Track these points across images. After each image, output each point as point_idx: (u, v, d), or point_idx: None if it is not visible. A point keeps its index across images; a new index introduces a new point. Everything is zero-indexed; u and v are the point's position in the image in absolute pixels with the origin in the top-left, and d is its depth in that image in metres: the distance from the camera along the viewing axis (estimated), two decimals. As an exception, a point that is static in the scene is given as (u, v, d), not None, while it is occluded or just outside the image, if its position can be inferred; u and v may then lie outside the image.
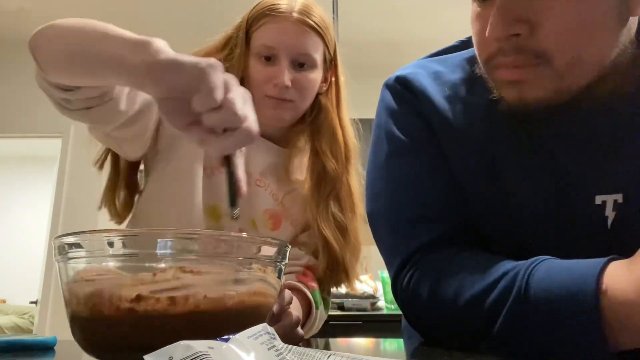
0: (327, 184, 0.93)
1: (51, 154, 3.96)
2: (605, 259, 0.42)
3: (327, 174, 0.93)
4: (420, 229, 0.58)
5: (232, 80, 0.51)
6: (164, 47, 0.52)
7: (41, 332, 3.32)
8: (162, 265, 0.37)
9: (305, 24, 0.87)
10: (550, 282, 0.43)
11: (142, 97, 0.76)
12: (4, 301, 5.34)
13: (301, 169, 0.96)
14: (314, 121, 0.97)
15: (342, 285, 0.97)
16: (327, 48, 0.92)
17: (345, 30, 2.69)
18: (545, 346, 0.43)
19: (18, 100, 3.69)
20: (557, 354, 0.42)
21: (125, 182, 0.90)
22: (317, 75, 0.91)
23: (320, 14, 0.90)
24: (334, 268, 0.92)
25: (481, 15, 0.53)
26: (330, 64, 0.95)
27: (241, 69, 0.89)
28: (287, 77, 0.86)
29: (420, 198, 0.60)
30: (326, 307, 0.94)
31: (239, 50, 0.90)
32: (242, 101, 0.51)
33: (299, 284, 0.86)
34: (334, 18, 2.58)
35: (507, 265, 0.48)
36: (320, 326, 0.91)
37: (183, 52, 0.53)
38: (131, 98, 0.75)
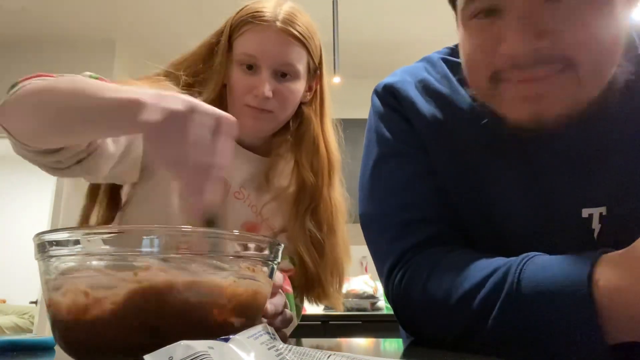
0: (305, 198, 0.90)
1: (51, 153, 3.95)
2: (597, 252, 0.43)
3: (305, 187, 0.90)
4: (412, 230, 0.59)
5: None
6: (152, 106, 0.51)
7: (41, 332, 3.31)
8: (146, 263, 0.35)
9: (289, 34, 0.83)
10: (542, 276, 0.43)
11: None
12: (4, 301, 5.34)
13: (285, 174, 0.94)
14: (296, 131, 0.94)
15: (321, 301, 0.95)
16: (312, 57, 0.89)
17: (345, 30, 2.69)
18: (540, 340, 0.43)
19: (18, 100, 3.69)
20: (553, 348, 0.43)
21: (106, 202, 0.89)
22: (299, 86, 0.88)
23: (306, 22, 0.87)
24: (310, 284, 0.90)
25: (486, 29, 0.51)
26: (315, 73, 0.92)
27: (221, 78, 0.87)
28: (267, 88, 0.83)
29: (411, 201, 0.60)
30: (298, 314, 0.92)
31: (219, 59, 0.87)
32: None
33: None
34: (334, 18, 2.58)
35: (498, 261, 0.48)
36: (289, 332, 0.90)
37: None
38: (115, 138, 0.74)
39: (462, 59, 0.57)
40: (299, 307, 0.93)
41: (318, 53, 0.91)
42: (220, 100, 0.88)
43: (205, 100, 0.83)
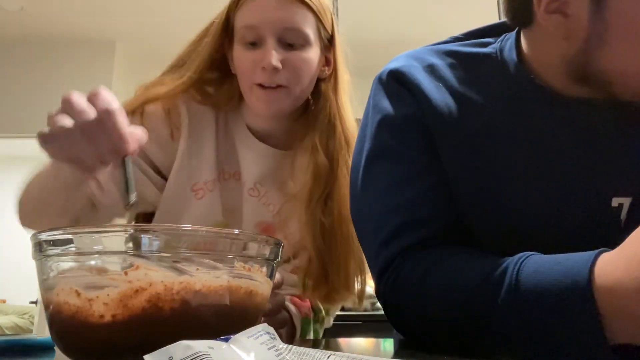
0: (318, 186, 0.81)
1: (51, 154, 3.95)
2: (596, 251, 0.42)
3: (320, 174, 0.81)
4: (406, 231, 0.57)
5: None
6: None
7: (41, 332, 3.31)
8: (136, 262, 0.35)
9: None
10: (541, 276, 0.43)
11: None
12: (4, 301, 5.34)
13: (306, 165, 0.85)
14: (312, 110, 0.85)
15: (328, 303, 0.87)
16: (322, 24, 0.81)
17: (345, 30, 2.69)
18: (540, 340, 0.43)
19: (18, 100, 3.70)
20: (553, 348, 0.42)
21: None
22: (311, 55, 0.79)
23: None
24: (316, 283, 0.82)
25: None
26: (330, 43, 0.84)
27: (206, 58, 0.80)
28: (275, 58, 0.74)
29: (404, 203, 0.58)
30: (315, 336, 0.88)
31: (208, 38, 0.81)
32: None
33: (291, 306, 0.81)
34: (334, 16, 2.58)
35: (494, 262, 0.48)
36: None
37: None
38: (106, 191, 0.72)
39: None
40: (317, 332, 0.89)
41: (330, 22, 0.83)
42: (228, 92, 0.83)
43: (186, 82, 0.80)
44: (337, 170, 0.82)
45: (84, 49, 3.75)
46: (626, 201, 0.54)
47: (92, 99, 0.53)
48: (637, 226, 0.52)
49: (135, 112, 0.80)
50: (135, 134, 0.55)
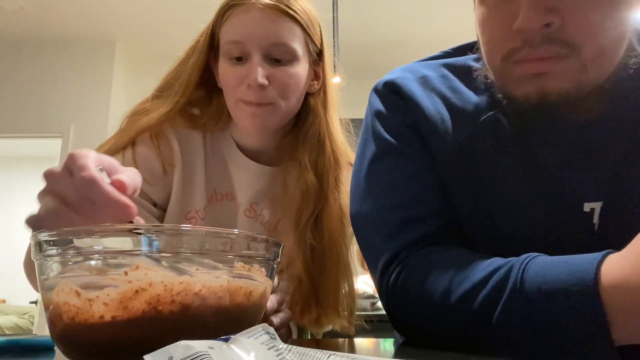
0: (307, 206, 0.79)
1: (51, 154, 3.96)
2: (603, 252, 0.42)
3: (308, 193, 0.79)
4: (408, 228, 0.58)
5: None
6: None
7: (41, 332, 3.31)
8: (136, 262, 0.35)
9: (276, 9, 0.73)
10: (546, 275, 0.43)
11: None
12: (4, 301, 5.34)
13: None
14: (300, 126, 0.83)
15: (317, 327, 0.84)
16: (311, 37, 0.78)
17: (345, 30, 2.70)
18: (544, 340, 0.43)
19: (18, 100, 3.70)
20: (558, 347, 0.42)
21: None
22: (299, 70, 0.77)
23: (303, 4, 0.77)
24: (305, 306, 0.80)
25: (501, 9, 0.52)
26: (319, 57, 0.82)
27: (193, 79, 0.79)
28: (260, 74, 0.72)
29: (408, 199, 0.60)
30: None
31: (194, 58, 0.78)
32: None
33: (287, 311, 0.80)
34: (334, 19, 2.58)
35: (499, 261, 0.48)
36: None
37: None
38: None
39: (480, 38, 0.57)
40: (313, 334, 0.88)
41: (318, 34, 0.81)
42: (216, 110, 0.81)
43: (175, 107, 0.78)
44: (327, 190, 0.81)
45: (84, 49, 3.76)
46: (597, 206, 0.55)
47: (69, 166, 0.43)
48: (611, 229, 0.53)
49: (127, 147, 0.79)
50: (130, 185, 0.44)
